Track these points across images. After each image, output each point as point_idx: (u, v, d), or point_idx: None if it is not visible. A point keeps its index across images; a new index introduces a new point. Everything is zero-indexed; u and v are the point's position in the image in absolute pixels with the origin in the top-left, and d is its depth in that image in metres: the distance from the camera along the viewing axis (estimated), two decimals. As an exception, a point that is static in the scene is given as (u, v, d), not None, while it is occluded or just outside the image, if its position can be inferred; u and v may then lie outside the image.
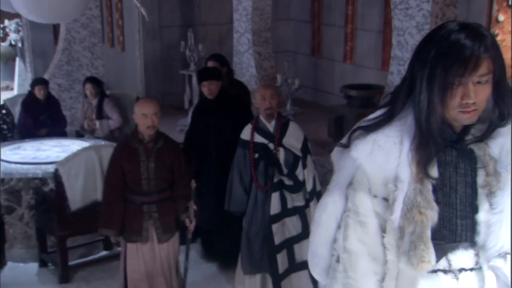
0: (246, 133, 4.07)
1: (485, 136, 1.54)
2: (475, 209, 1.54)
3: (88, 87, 5.72)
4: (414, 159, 1.53)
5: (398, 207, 1.54)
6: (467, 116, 1.50)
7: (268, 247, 3.87)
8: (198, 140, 4.53)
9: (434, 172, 1.53)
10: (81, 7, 3.76)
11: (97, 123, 5.62)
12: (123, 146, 3.52)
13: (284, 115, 6.30)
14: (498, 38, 6.27)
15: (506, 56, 6.28)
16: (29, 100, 5.74)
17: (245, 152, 3.96)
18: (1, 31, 10.21)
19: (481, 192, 1.53)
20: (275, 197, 3.87)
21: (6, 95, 8.06)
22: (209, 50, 9.17)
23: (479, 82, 1.48)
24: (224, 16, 8.80)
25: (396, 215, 1.54)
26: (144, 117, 3.37)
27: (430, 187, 1.53)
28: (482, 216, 1.52)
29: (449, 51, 1.46)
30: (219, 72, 4.63)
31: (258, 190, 3.94)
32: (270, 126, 4.00)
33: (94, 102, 5.83)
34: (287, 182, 3.87)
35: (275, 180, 3.87)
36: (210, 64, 5.54)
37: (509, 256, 1.50)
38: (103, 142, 5.06)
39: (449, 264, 1.56)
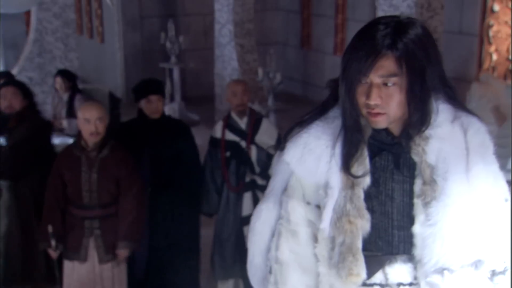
0: (217, 131, 4.06)
1: (405, 141, 1.49)
2: (412, 220, 1.49)
3: (58, 80, 5.64)
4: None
5: (327, 215, 1.50)
6: (373, 119, 1.46)
7: (240, 250, 3.86)
8: None
9: (358, 171, 1.48)
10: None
11: (64, 122, 5.54)
12: (66, 153, 3.34)
13: (266, 110, 6.34)
14: (493, 29, 6.25)
15: (502, 48, 6.26)
16: (-8, 95, 5.69)
17: (216, 151, 3.95)
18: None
19: (417, 202, 1.47)
20: (247, 197, 3.85)
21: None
22: (193, 42, 9.16)
23: (385, 84, 1.43)
24: (208, 6, 8.77)
25: (325, 224, 1.50)
26: (87, 122, 3.18)
27: (361, 194, 1.49)
28: (417, 228, 1.47)
29: (356, 45, 1.44)
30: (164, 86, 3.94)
31: (229, 191, 3.93)
32: (242, 123, 3.98)
33: (65, 97, 5.76)
34: (260, 181, 3.85)
35: (247, 179, 3.86)
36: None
37: (446, 272, 1.44)
38: (71, 141, 5.00)
39: (386, 278, 1.52)
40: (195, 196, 3.78)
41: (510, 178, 3.40)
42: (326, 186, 1.51)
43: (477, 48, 6.41)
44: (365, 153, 1.50)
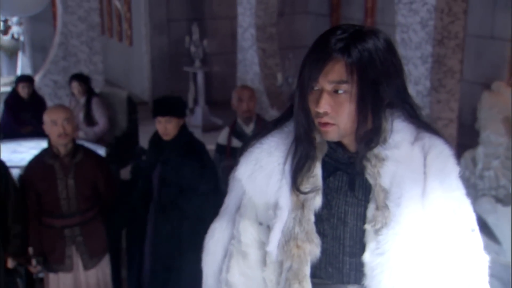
0: (223, 137, 4.03)
1: (361, 161, 1.40)
2: (364, 247, 1.39)
3: (75, 85, 5.70)
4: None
5: (274, 238, 1.42)
6: (323, 130, 1.37)
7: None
8: (142, 181, 3.45)
9: (306, 188, 1.40)
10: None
11: (81, 133, 5.52)
12: (36, 163, 3.24)
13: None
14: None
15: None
16: (11, 99, 5.77)
17: (221, 158, 3.91)
18: (1, 23, 10.39)
19: (369, 228, 1.38)
20: (253, 207, 3.79)
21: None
22: (220, 46, 9.16)
23: (336, 92, 1.34)
24: (236, 9, 8.78)
25: (271, 247, 1.42)
26: (54, 124, 3.10)
27: (311, 217, 1.40)
28: (367, 256, 1.38)
29: (312, 49, 1.37)
30: (182, 105, 3.52)
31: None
32: (248, 129, 3.95)
33: (82, 100, 5.83)
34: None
35: (253, 188, 3.79)
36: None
37: None
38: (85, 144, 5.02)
39: None
40: (198, 227, 3.24)
41: (521, 194, 3.25)
42: (276, 206, 1.43)
43: (509, 53, 6.21)
44: (317, 169, 1.42)
